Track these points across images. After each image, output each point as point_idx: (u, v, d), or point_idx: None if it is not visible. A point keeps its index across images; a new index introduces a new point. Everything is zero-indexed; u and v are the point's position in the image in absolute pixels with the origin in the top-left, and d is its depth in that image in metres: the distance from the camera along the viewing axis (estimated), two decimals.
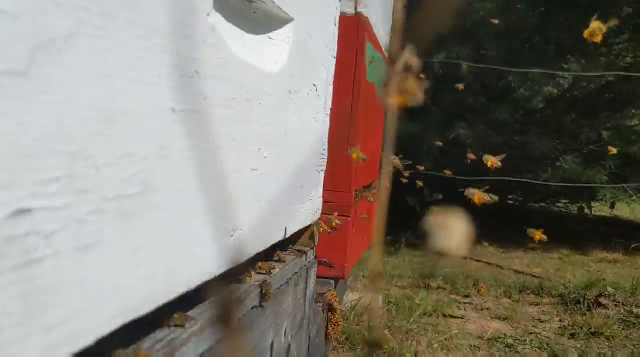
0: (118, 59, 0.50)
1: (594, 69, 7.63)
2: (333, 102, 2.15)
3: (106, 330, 0.54)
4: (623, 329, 4.46)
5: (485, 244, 7.13)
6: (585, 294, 5.02)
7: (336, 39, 1.31)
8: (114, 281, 0.54)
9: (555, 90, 9.50)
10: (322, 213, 2.19)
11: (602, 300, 4.85)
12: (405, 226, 7.91)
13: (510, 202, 10.36)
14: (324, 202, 2.25)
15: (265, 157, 0.92)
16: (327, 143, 1.35)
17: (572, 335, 4.46)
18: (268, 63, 0.91)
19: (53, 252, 0.45)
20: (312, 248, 1.41)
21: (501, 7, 7.02)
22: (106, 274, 0.52)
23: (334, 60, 1.32)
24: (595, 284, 5.16)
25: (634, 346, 4.16)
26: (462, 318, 4.66)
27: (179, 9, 0.61)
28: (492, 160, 2.54)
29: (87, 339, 0.51)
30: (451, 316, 4.67)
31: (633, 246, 7.08)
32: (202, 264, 0.75)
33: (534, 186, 7.97)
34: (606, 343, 4.29)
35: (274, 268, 1.10)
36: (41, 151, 0.42)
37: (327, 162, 2.19)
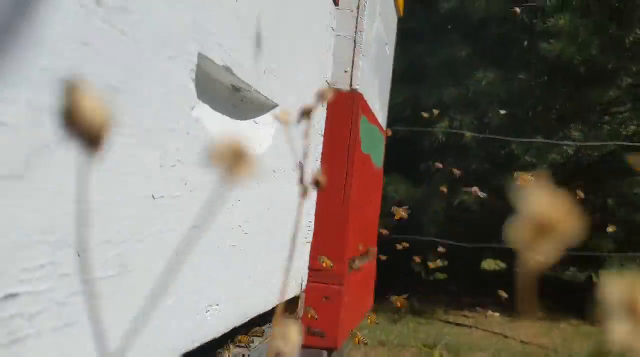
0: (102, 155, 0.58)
1: (597, 138, 7.74)
2: (328, 174, 2.23)
3: None
4: None
5: (491, 312, 7.04)
6: None
7: (324, 117, 1.40)
8: None
9: (559, 157, 9.60)
10: (315, 282, 2.24)
11: None
12: (410, 291, 7.86)
13: (518, 269, 10.24)
14: (317, 270, 2.31)
15: (245, 233, 0.99)
16: (314, 215, 1.42)
17: None
18: (253, 147, 0.99)
19: (36, 332, 0.51)
20: (297, 320, 1.45)
21: (504, 77, 7.21)
22: (83, 351, 0.58)
23: (321, 138, 1.41)
24: (605, 355, 5.07)
25: None
26: None
27: (164, 106, 0.70)
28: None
29: None
30: None
31: None
32: (176, 340, 0.80)
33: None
34: None
35: (252, 342, 1.14)
36: (30, 242, 0.49)
37: (321, 231, 2.25)
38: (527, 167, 8.11)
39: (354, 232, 2.42)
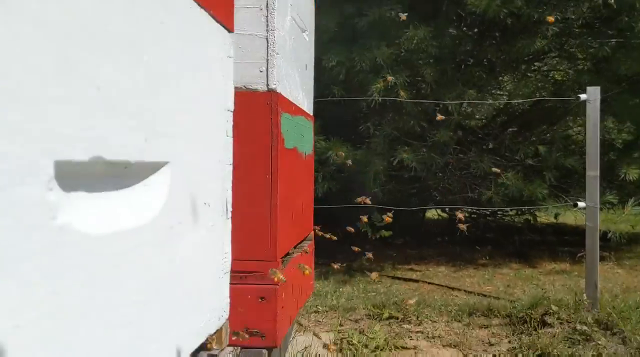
0: None
1: (527, 86, 7.89)
2: (252, 179, 2.19)
3: None
4: (569, 347, 4.61)
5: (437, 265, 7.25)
6: (532, 313, 5.17)
7: (231, 148, 1.35)
8: None
9: (491, 108, 9.80)
10: (249, 283, 2.22)
11: (547, 319, 5.00)
12: (360, 251, 8.00)
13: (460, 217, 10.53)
14: (249, 272, 2.28)
15: (145, 304, 0.96)
16: (229, 245, 1.39)
17: None
18: (140, 216, 0.94)
19: None
20: (224, 349, 1.44)
21: (434, 34, 7.22)
22: None
23: (230, 168, 1.36)
24: (541, 302, 5.32)
25: None
26: (414, 349, 4.74)
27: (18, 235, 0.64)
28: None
29: None
30: (403, 348, 4.74)
31: (579, 255, 7.31)
32: None
33: (481, 203, 8.15)
34: None
35: None
36: None
37: (249, 232, 2.22)
38: (462, 122, 8.23)
39: (285, 231, 2.40)
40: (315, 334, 4.53)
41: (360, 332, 4.87)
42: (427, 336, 5.08)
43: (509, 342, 4.90)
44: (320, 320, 5.37)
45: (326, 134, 7.49)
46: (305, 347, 3.56)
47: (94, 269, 0.79)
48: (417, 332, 5.19)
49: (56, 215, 0.70)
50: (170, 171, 1.04)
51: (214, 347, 1.41)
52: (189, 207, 1.13)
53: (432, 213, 11.49)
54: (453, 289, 6.74)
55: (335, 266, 5.04)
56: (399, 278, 7.27)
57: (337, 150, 7.79)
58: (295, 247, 2.76)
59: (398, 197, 8.62)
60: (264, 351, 2.30)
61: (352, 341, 4.48)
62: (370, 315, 5.54)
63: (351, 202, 6.65)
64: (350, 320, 5.42)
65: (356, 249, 3.96)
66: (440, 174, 8.38)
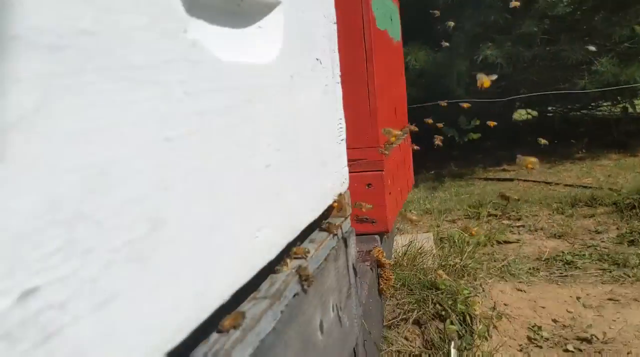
0: (97, 110, 0.50)
1: None
2: (347, 62, 2.10)
3: None
4: None
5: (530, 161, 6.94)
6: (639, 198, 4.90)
7: (333, 4, 1.27)
8: (140, 323, 0.55)
9: None
10: (355, 171, 2.17)
11: None
12: (446, 157, 7.84)
13: (550, 114, 10.08)
14: (355, 160, 2.23)
15: (278, 150, 0.91)
16: (342, 111, 1.32)
17: (632, 242, 4.39)
18: (262, 55, 0.89)
19: (71, 319, 0.45)
20: (347, 218, 1.40)
21: None
22: (130, 319, 0.53)
23: (335, 26, 1.28)
24: None
25: None
26: (517, 242, 4.64)
27: (152, 38, 0.60)
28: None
29: None
30: (506, 242, 4.65)
31: None
32: (232, 275, 0.75)
33: (573, 95, 7.72)
34: None
35: (308, 251, 1.10)
36: (35, 228, 0.42)
37: (351, 120, 2.16)
38: (545, 10, 7.67)
39: (384, 116, 2.32)
40: (413, 240, 4.51)
41: (459, 232, 4.80)
42: (530, 229, 4.96)
43: (617, 228, 4.69)
44: (417, 224, 5.34)
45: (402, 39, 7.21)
46: (410, 242, 3.55)
47: (230, 97, 0.75)
48: (519, 226, 5.07)
49: (187, 29, 0.65)
50: (283, 14, 0.97)
51: (337, 214, 1.37)
52: (304, 58, 1.06)
53: (519, 115, 11.02)
54: (551, 183, 6.49)
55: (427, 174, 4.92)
56: (492, 179, 7.09)
57: (414, 55, 7.53)
58: (395, 136, 2.68)
59: (484, 97, 8.26)
60: (377, 237, 2.28)
61: (452, 239, 4.43)
62: (467, 215, 5.45)
63: (434, 109, 6.46)
64: (447, 221, 5.36)
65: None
66: (526, 66, 7.92)
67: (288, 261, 1.05)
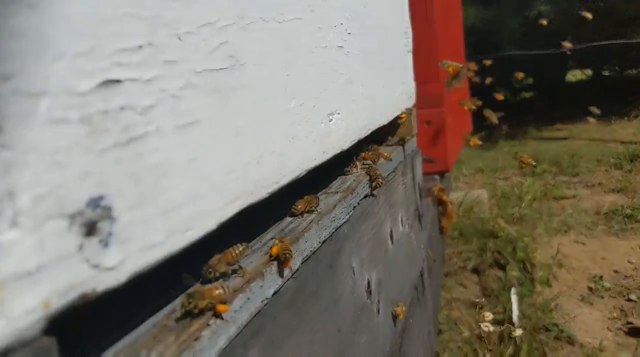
0: None
1: None
2: None
3: (227, 214, 0.51)
4: None
5: (588, 119, 6.67)
6: None
7: None
8: (224, 163, 0.51)
9: None
10: (416, 106, 2.10)
11: None
12: (498, 117, 7.62)
13: (606, 73, 9.68)
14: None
15: (349, 33, 0.85)
16: (409, 20, 1.25)
17: None
18: None
19: (155, 130, 0.41)
20: (413, 136, 1.34)
21: None
22: (214, 155, 0.49)
23: None
24: None
25: None
26: (574, 198, 4.47)
27: None
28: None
29: (210, 224, 0.49)
30: (563, 198, 4.49)
31: None
32: (307, 150, 0.70)
33: (629, 52, 7.38)
34: None
35: (378, 158, 1.04)
36: (118, 15, 0.38)
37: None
38: None
39: (444, 50, 2.23)
40: (467, 192, 4.40)
41: (514, 187, 4.66)
42: (587, 185, 4.77)
43: None
44: (469, 181, 5.22)
45: None
46: (466, 193, 3.45)
47: None
48: (576, 183, 4.89)
49: None
50: None
51: (404, 131, 1.31)
52: None
53: (573, 75, 10.62)
54: (607, 141, 6.24)
55: (472, 144, 4.83)
56: (545, 139, 6.86)
57: (465, 12, 7.28)
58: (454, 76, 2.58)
59: (536, 56, 7.97)
60: (436, 176, 2.21)
61: (506, 194, 4.30)
62: (521, 173, 5.29)
63: (483, 68, 6.23)
64: (500, 179, 5.22)
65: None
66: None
67: (358, 163, 0.99)
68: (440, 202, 1.99)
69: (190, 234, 0.45)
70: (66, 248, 0.33)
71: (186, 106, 0.45)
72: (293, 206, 0.74)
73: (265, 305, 0.57)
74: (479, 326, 2.51)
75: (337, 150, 0.81)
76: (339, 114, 0.81)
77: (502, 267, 2.83)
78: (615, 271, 3.18)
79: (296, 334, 0.62)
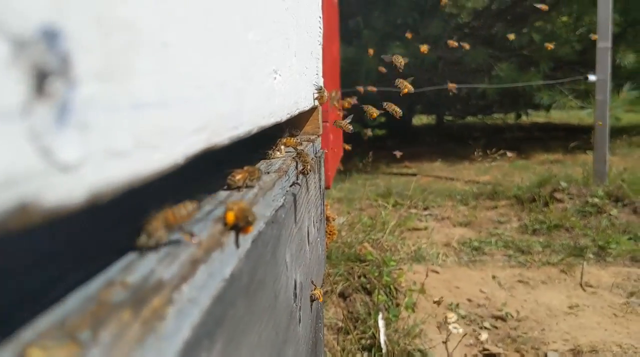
0: None
1: None
2: None
3: (193, 147, 0.36)
4: (581, 219, 4.57)
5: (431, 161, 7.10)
6: (540, 191, 5.11)
7: None
8: (193, 70, 0.36)
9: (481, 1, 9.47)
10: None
11: (557, 195, 4.95)
12: (353, 151, 7.85)
13: (448, 118, 10.45)
14: None
15: (286, 9, 0.73)
16: (321, 11, 1.16)
17: (534, 231, 4.54)
18: None
19: None
20: (319, 136, 1.24)
21: None
22: (186, 54, 0.34)
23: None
24: (548, 180, 5.26)
25: (594, 233, 4.27)
26: (426, 229, 4.66)
27: None
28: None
29: (177, 151, 0.33)
30: (415, 229, 4.66)
31: (572, 145, 7.24)
32: (258, 102, 0.57)
33: (470, 99, 8.03)
34: (567, 234, 4.39)
35: (301, 144, 0.92)
36: None
37: None
38: (450, 16, 7.99)
39: (326, 68, 2.18)
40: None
41: (370, 218, 4.75)
42: (437, 218, 5.01)
43: (519, 219, 4.85)
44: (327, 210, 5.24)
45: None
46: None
47: None
48: (426, 215, 5.12)
49: None
50: None
51: (310, 130, 1.21)
52: None
53: (420, 119, 11.35)
54: (452, 179, 6.66)
55: (341, 168, 4.86)
56: (395, 174, 7.17)
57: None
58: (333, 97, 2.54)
59: (389, 94, 8.36)
60: None
61: (363, 222, 4.36)
62: (376, 204, 5.43)
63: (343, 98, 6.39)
64: (356, 209, 5.31)
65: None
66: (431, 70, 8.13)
67: (282, 148, 0.86)
68: (326, 219, 1.90)
69: (158, 157, 0.30)
70: (5, 97, 0.17)
71: None
72: (229, 177, 0.59)
73: (223, 288, 0.41)
74: (345, 351, 2.44)
75: (278, 118, 0.68)
76: (280, 75, 0.68)
77: (369, 292, 2.80)
78: (469, 300, 3.31)
79: (248, 331, 0.47)
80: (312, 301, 0.97)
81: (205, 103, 0.38)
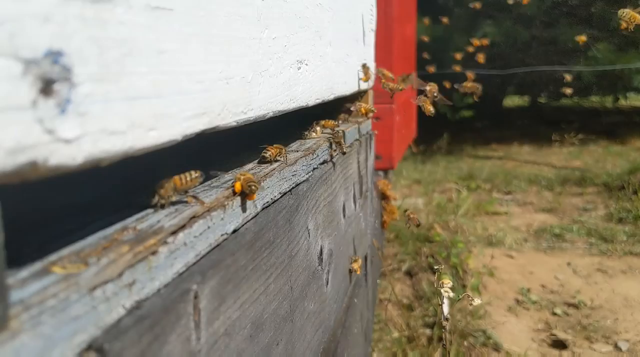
0: None
1: None
2: None
3: (193, 128, 0.46)
4: None
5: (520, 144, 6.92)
6: (630, 179, 4.89)
7: None
8: (193, 68, 0.46)
9: None
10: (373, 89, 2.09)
11: None
12: (437, 133, 7.79)
13: (542, 101, 10.10)
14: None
15: (318, 4, 0.82)
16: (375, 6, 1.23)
17: (620, 220, 4.37)
18: None
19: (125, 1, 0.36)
20: (369, 118, 1.32)
21: None
22: (184, 56, 0.44)
23: None
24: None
25: None
26: (506, 214, 4.60)
27: None
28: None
29: (175, 132, 0.44)
30: (495, 213, 4.61)
31: None
32: (275, 90, 0.66)
33: (564, 82, 7.73)
34: None
35: (338, 125, 1.01)
36: None
37: None
38: None
39: (399, 51, 2.23)
40: (406, 197, 4.44)
41: (448, 200, 4.75)
42: (519, 203, 4.92)
43: (605, 207, 4.67)
44: (406, 192, 5.28)
45: None
46: (404, 199, 3.48)
47: None
48: (508, 200, 5.04)
49: None
50: None
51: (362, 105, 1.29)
52: None
53: (512, 100, 11.00)
54: (540, 164, 6.48)
55: (414, 150, 4.87)
56: (480, 157, 7.05)
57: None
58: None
59: (479, 76, 8.18)
60: (380, 173, 2.20)
61: (437, 204, 4.37)
62: (455, 187, 5.40)
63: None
64: (436, 192, 5.31)
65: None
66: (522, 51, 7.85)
67: (318, 129, 0.96)
68: (384, 197, 1.98)
69: (154, 134, 0.40)
70: (18, 98, 0.27)
71: None
72: (264, 151, 0.70)
73: (224, 240, 0.52)
74: (409, 327, 2.52)
75: (302, 103, 0.77)
76: (307, 64, 0.77)
77: (436, 272, 2.83)
78: (542, 286, 3.27)
79: (252, 279, 0.58)
80: (350, 272, 1.07)
81: (204, 94, 0.48)
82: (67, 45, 0.30)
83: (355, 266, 1.07)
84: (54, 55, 0.29)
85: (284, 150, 0.72)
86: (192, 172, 0.50)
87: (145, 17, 0.38)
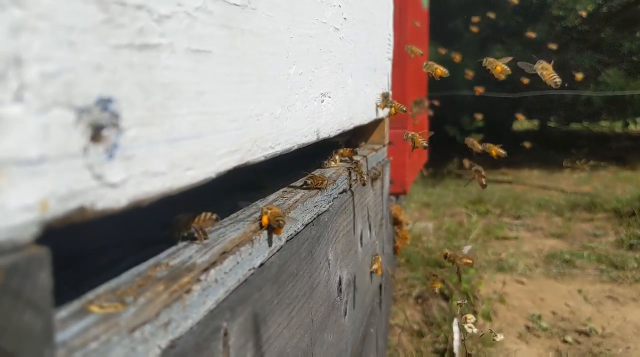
0: None
1: None
2: None
3: (226, 165, 0.47)
4: None
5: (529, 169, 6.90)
6: None
7: None
8: (229, 107, 0.46)
9: (589, 6, 9.05)
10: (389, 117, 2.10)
11: None
12: (446, 155, 7.79)
13: (551, 125, 10.10)
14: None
15: (345, 18, 0.83)
16: (392, 28, 1.24)
17: (630, 246, 4.33)
18: None
19: (168, 44, 0.37)
20: (385, 146, 1.32)
21: None
22: (221, 96, 0.45)
23: None
24: None
25: None
26: (516, 239, 4.57)
27: None
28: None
29: (210, 170, 0.44)
30: (505, 238, 4.58)
31: None
32: (300, 124, 0.67)
33: (575, 105, 7.72)
34: None
35: (356, 153, 1.01)
36: None
37: None
38: (556, 19, 7.73)
39: (412, 78, 2.24)
40: (416, 221, 4.43)
41: (458, 224, 4.73)
42: (528, 228, 4.90)
43: (615, 233, 4.64)
44: (415, 215, 5.27)
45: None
46: (414, 223, 3.47)
47: None
48: (518, 224, 5.01)
49: None
50: None
51: (376, 140, 1.30)
52: None
53: (521, 124, 11.00)
54: (549, 189, 6.45)
55: (425, 173, 4.86)
56: (490, 181, 7.03)
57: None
58: (416, 104, 2.61)
59: (488, 99, 8.23)
60: (393, 197, 2.20)
61: (447, 228, 4.35)
62: (465, 212, 5.38)
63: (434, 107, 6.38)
64: (444, 215, 5.29)
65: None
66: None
67: (337, 157, 0.96)
68: (397, 222, 1.98)
69: (191, 174, 0.41)
70: (71, 146, 0.28)
71: (199, 31, 0.41)
72: (306, 178, 0.72)
73: (252, 275, 0.52)
74: (420, 352, 2.49)
75: (325, 135, 0.78)
76: (329, 97, 0.78)
77: (446, 298, 2.83)
78: (553, 312, 3.24)
79: (276, 313, 0.58)
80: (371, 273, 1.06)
81: (237, 131, 0.49)
82: (116, 92, 0.31)
83: (376, 265, 1.06)
84: (104, 103, 0.30)
85: (321, 179, 0.73)
86: (208, 213, 0.50)
87: (187, 60, 0.39)
